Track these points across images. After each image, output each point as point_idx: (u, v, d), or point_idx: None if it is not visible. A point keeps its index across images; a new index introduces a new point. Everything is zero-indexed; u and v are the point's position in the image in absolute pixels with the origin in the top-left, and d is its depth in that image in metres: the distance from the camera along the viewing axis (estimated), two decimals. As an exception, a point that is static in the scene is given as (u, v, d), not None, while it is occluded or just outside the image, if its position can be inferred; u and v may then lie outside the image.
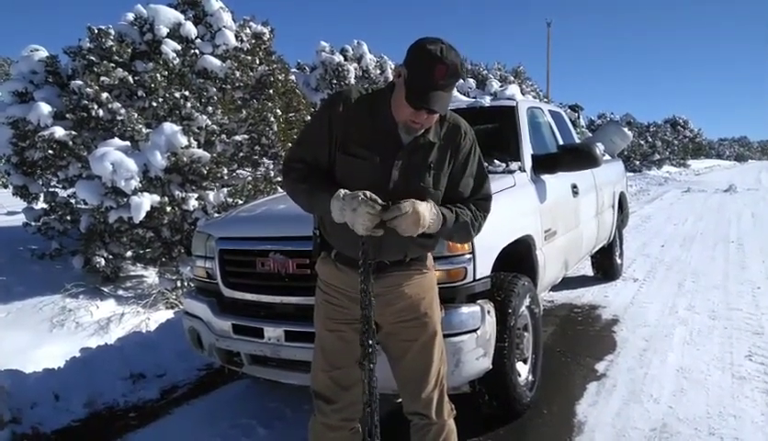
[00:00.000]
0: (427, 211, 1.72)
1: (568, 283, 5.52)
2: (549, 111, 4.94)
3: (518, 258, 3.15)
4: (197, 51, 6.55)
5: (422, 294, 1.96)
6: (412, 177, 1.82)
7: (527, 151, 3.76)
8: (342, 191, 1.70)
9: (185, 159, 5.59)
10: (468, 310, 2.51)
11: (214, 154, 6.08)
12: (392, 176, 1.80)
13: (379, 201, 1.66)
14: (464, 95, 6.46)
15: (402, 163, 1.81)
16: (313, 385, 2.04)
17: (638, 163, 32.56)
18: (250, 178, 6.61)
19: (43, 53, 6.09)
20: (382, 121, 1.81)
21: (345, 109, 1.83)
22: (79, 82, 5.63)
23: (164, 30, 6.28)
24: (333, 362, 1.96)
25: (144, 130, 5.64)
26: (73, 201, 6.03)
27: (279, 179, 6.31)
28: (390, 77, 3.37)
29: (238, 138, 6.57)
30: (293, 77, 8.79)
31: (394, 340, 1.98)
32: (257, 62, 7.13)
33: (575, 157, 3.75)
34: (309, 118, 7.43)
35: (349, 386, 1.96)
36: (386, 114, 1.80)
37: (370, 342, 1.77)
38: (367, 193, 1.66)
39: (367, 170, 1.79)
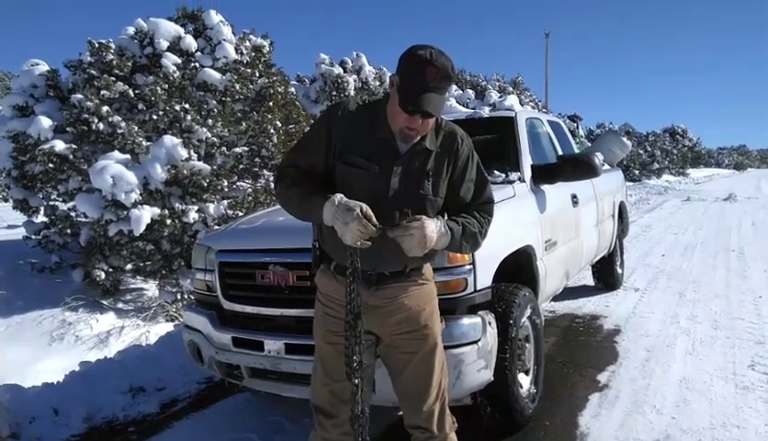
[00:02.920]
0: (435, 232, 1.73)
1: (569, 293, 5.51)
2: (548, 121, 4.96)
3: (519, 269, 3.14)
4: (197, 64, 6.58)
5: (422, 305, 1.95)
6: (411, 185, 1.83)
7: (527, 161, 3.76)
8: (337, 197, 1.69)
9: (185, 171, 5.60)
10: (468, 322, 2.49)
11: (214, 167, 6.10)
12: (391, 185, 1.81)
13: (374, 220, 1.65)
14: (463, 105, 6.49)
15: (401, 171, 1.82)
16: (313, 399, 2.02)
17: (637, 172, 32.62)
18: (250, 190, 6.62)
19: (44, 67, 6.13)
20: (379, 131, 1.82)
21: (344, 120, 1.85)
22: (79, 95, 5.66)
23: (165, 44, 6.32)
24: (332, 375, 1.94)
25: (144, 143, 5.66)
26: (73, 214, 6.03)
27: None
28: (390, 89, 3.45)
29: (238, 150, 6.58)
30: (293, 89, 8.84)
31: (394, 352, 1.96)
32: (257, 74, 7.16)
33: (575, 167, 3.75)
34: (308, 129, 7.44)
35: (349, 399, 1.95)
36: (383, 124, 1.82)
37: (356, 356, 1.74)
38: (364, 208, 1.65)
39: (367, 179, 1.80)
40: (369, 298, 1.82)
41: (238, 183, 6.82)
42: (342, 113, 1.87)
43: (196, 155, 5.85)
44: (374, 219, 1.65)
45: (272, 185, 6.72)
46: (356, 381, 1.75)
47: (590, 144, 9.01)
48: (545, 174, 3.73)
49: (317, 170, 1.85)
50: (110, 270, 5.68)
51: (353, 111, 1.88)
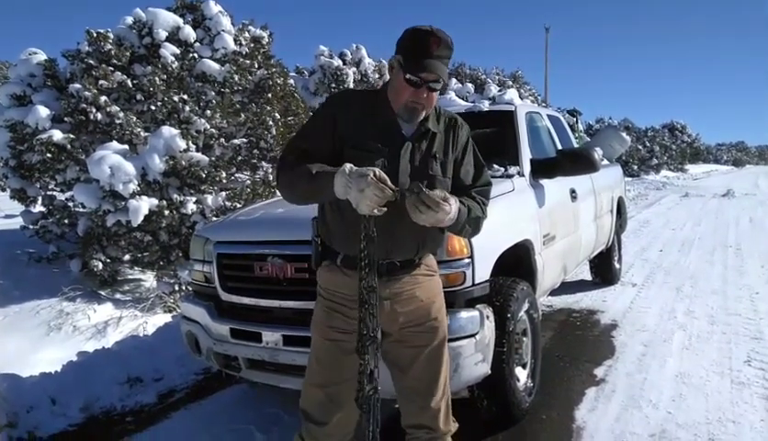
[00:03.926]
0: (455, 209, 1.71)
1: (566, 288, 5.52)
2: (548, 116, 4.95)
3: (517, 263, 3.14)
4: (195, 55, 6.55)
5: (432, 297, 1.93)
6: (421, 166, 1.83)
7: (526, 155, 3.76)
8: (347, 166, 1.61)
9: (183, 162, 5.58)
10: (466, 315, 2.50)
11: (213, 158, 6.08)
12: (401, 167, 1.79)
13: (389, 183, 1.59)
14: (462, 99, 6.47)
15: (409, 153, 1.82)
16: (303, 403, 1.94)
17: (636, 167, 32.63)
18: (248, 182, 6.61)
19: (42, 57, 6.09)
20: (382, 115, 1.82)
21: (347, 106, 1.85)
22: (77, 85, 5.63)
23: (163, 34, 6.28)
24: (328, 376, 1.88)
25: (143, 134, 5.64)
26: (70, 205, 6.02)
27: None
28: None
29: (236, 141, 6.57)
30: (292, 81, 8.80)
31: (402, 347, 1.89)
32: (256, 65, 7.13)
33: (574, 162, 3.74)
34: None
35: (343, 404, 1.87)
36: (385, 109, 1.82)
37: (369, 332, 1.66)
38: (377, 171, 1.58)
39: (378, 162, 1.76)
40: (380, 289, 1.73)
41: (236, 174, 6.81)
42: (344, 100, 1.89)
43: (194, 146, 5.84)
44: (389, 182, 1.59)
45: (270, 177, 6.71)
46: (366, 357, 1.68)
47: (589, 139, 9.00)
48: (544, 168, 3.73)
49: (322, 155, 1.78)
50: (108, 261, 5.67)
51: (355, 98, 1.91)
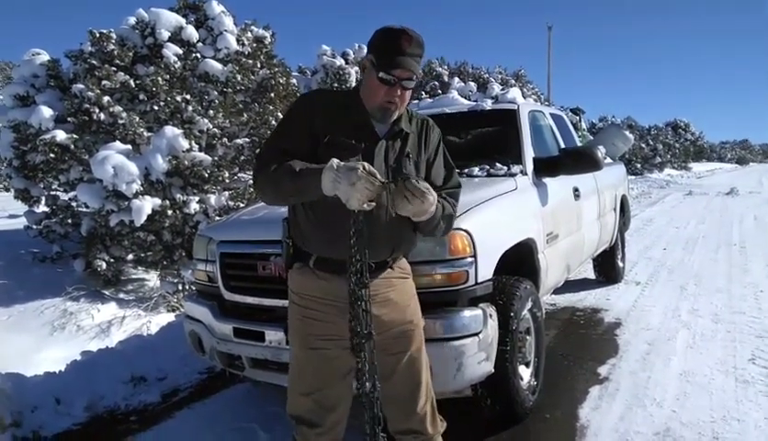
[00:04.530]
0: (432, 206, 1.72)
1: (570, 286, 5.50)
2: (551, 114, 4.93)
3: (520, 261, 3.13)
4: (198, 55, 6.56)
5: (406, 301, 1.93)
6: (395, 165, 1.83)
7: (529, 154, 3.74)
8: (335, 161, 1.60)
9: (186, 162, 5.59)
10: (470, 314, 2.49)
11: (215, 158, 6.09)
12: (375, 165, 1.75)
13: (378, 176, 1.58)
14: (465, 98, 6.46)
15: (384, 151, 1.82)
16: (292, 410, 1.94)
17: (639, 166, 32.59)
18: (251, 182, 6.61)
19: (45, 57, 6.11)
20: (356, 115, 1.82)
21: (321, 106, 1.84)
22: (80, 85, 5.64)
23: (166, 34, 6.29)
24: (314, 384, 1.88)
25: (146, 134, 5.65)
26: (74, 205, 6.04)
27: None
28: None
29: (239, 141, 6.57)
30: (294, 81, 8.79)
31: (381, 356, 1.83)
32: (258, 65, 7.14)
33: (577, 160, 3.73)
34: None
35: (334, 406, 1.88)
36: (359, 108, 1.82)
37: (363, 329, 1.64)
38: (366, 165, 1.57)
39: (354, 159, 1.74)
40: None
41: (239, 174, 6.81)
42: (318, 99, 1.89)
43: (197, 146, 5.85)
44: (378, 174, 1.58)
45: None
46: (363, 355, 1.65)
47: (592, 137, 8.98)
48: (547, 166, 3.71)
49: (300, 154, 1.75)
50: (111, 260, 5.69)
51: (328, 97, 1.93)
